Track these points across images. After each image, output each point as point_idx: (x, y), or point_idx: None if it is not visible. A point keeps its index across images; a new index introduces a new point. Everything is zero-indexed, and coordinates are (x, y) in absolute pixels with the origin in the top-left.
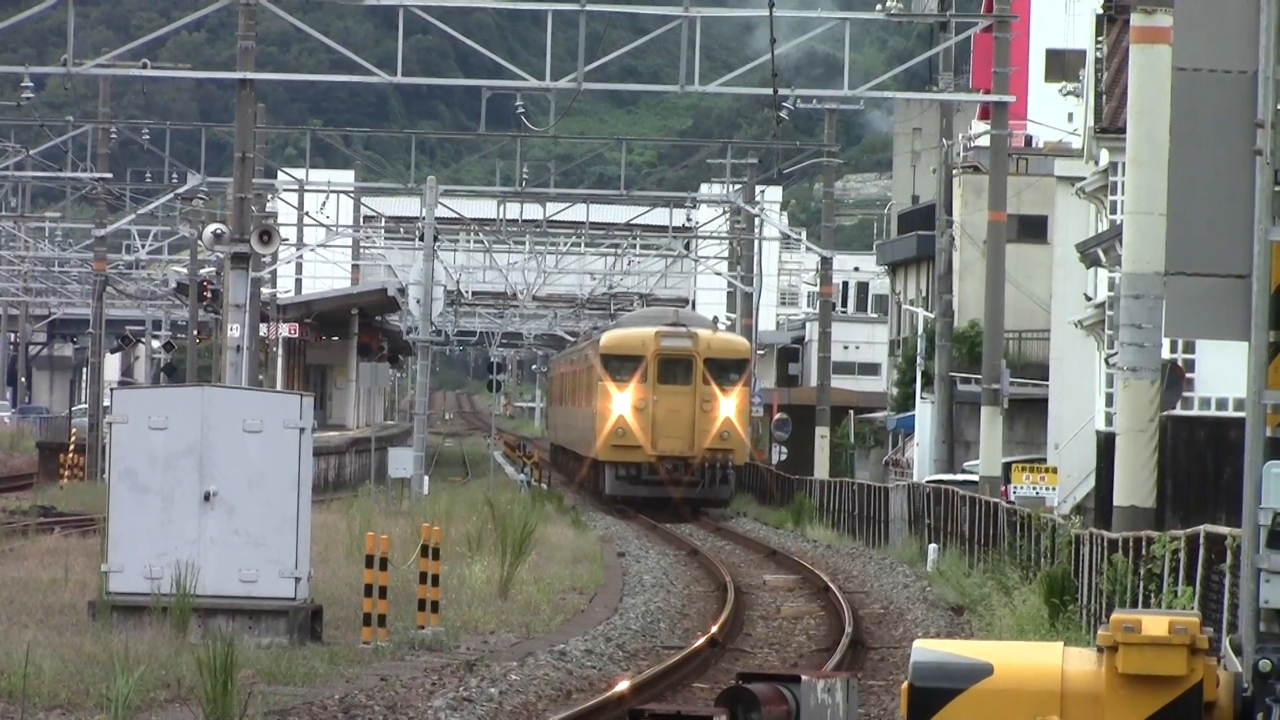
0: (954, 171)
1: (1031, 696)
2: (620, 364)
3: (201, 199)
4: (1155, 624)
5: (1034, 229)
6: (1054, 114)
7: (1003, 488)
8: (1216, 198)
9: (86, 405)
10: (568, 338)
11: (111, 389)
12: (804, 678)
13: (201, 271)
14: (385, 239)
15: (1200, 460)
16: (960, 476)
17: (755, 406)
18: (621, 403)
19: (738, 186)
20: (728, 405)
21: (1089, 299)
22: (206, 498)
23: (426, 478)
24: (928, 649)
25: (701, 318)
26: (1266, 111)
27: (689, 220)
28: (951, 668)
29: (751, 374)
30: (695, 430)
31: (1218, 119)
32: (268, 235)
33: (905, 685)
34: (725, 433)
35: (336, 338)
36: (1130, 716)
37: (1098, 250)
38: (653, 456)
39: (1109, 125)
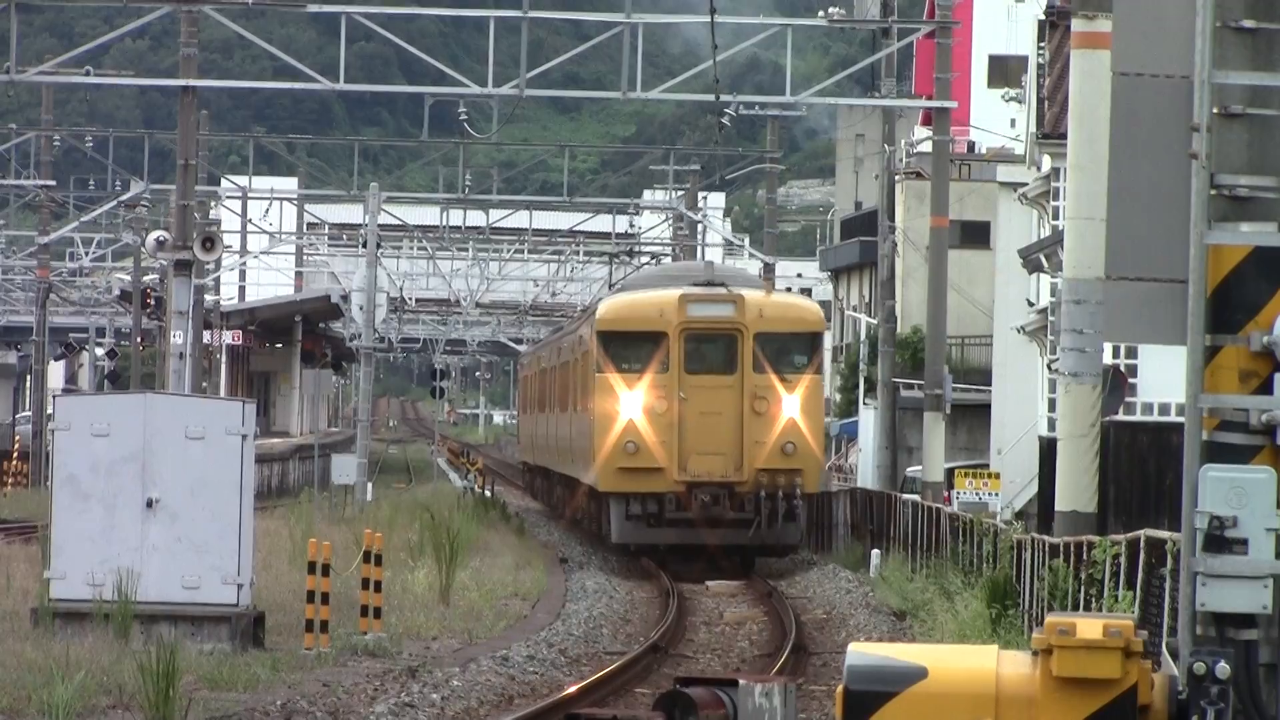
0: (896, 177)
1: (966, 699)
2: (628, 345)
3: (145, 206)
4: (1089, 627)
5: (977, 235)
6: (996, 120)
7: (945, 493)
8: (1155, 202)
9: (30, 413)
10: (511, 344)
11: (54, 396)
12: (741, 682)
13: (145, 279)
14: (329, 246)
15: (1143, 465)
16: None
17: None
18: (631, 404)
19: (680, 193)
20: (791, 404)
21: (1031, 304)
22: (149, 504)
23: (370, 484)
24: (862, 652)
25: (747, 274)
26: (1203, 115)
27: (632, 226)
28: (886, 671)
29: (824, 357)
30: (744, 442)
31: (1157, 124)
32: (211, 242)
33: (840, 688)
34: (789, 444)
35: (280, 345)
36: (1065, 719)
37: (1040, 256)
38: (680, 485)
39: (1051, 131)
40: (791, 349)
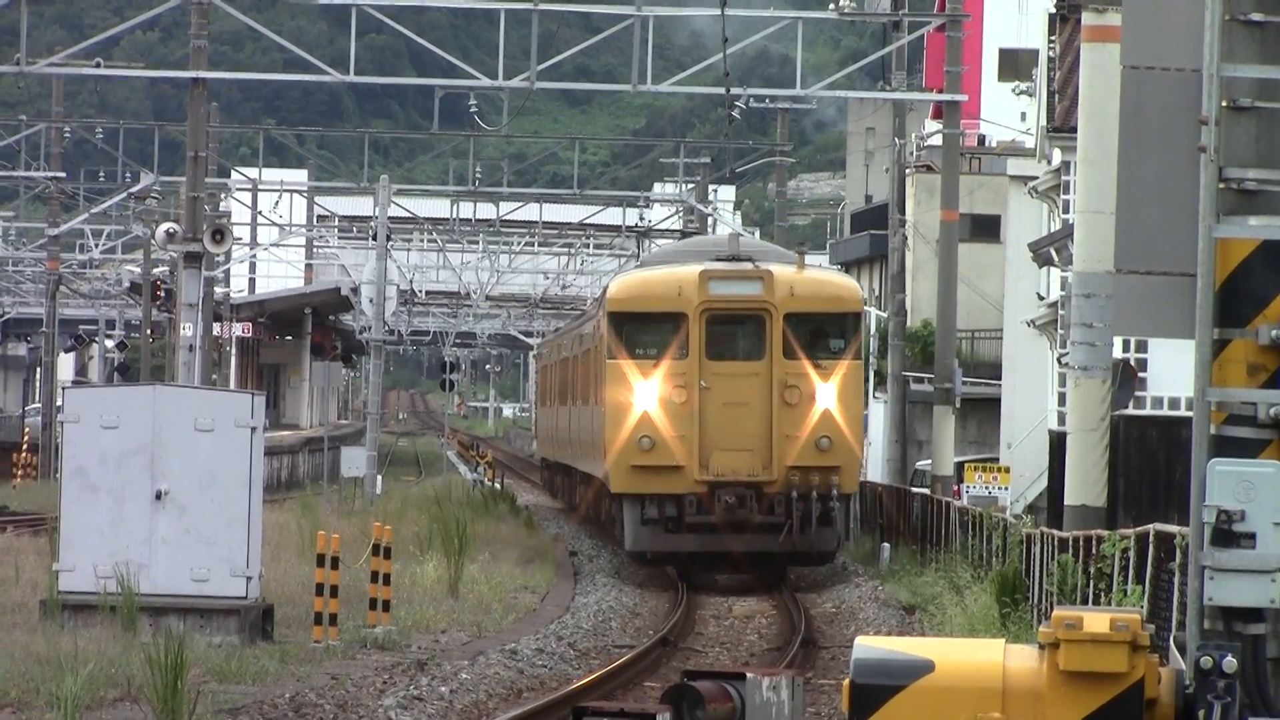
0: (907, 171)
1: (973, 693)
2: (642, 328)
3: (155, 198)
4: (1096, 621)
5: (987, 228)
6: (1007, 113)
7: (955, 487)
8: (1164, 196)
9: (40, 405)
10: (521, 337)
11: (64, 388)
12: (749, 675)
13: (155, 271)
14: (339, 238)
15: (1152, 459)
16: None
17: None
18: (646, 394)
19: (691, 186)
20: (827, 393)
21: (1041, 298)
22: (158, 496)
23: (379, 477)
24: (869, 646)
25: (776, 248)
26: (1211, 108)
27: (642, 219)
28: (893, 665)
29: (865, 339)
30: (773, 437)
31: (1165, 117)
32: (220, 234)
33: (847, 682)
34: (824, 439)
35: (290, 337)
36: (1072, 713)
37: (1050, 249)
38: (701, 485)
39: (1061, 124)
40: (827, 331)
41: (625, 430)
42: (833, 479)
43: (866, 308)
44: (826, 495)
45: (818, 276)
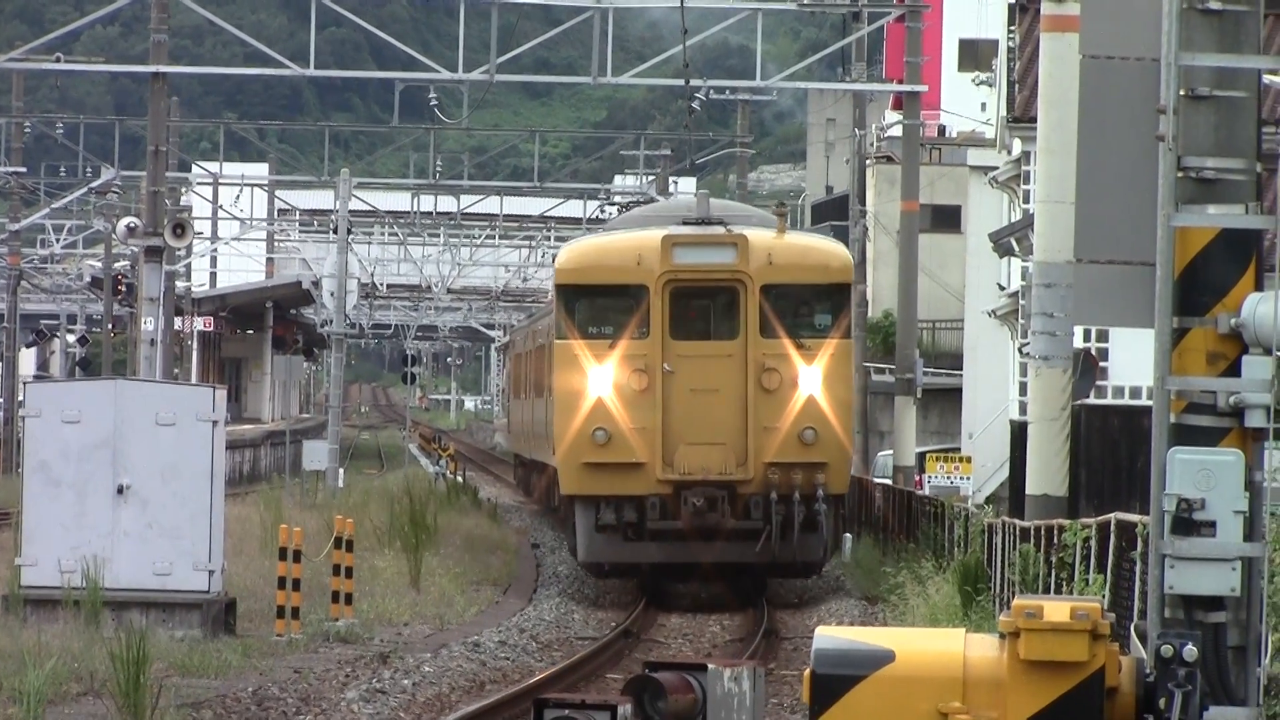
0: (867, 162)
1: (934, 683)
2: (596, 303)
3: (116, 193)
4: (1057, 610)
5: (947, 219)
6: (967, 104)
7: (917, 477)
8: (1123, 185)
9: (1, 399)
10: (482, 330)
11: (25, 383)
12: (710, 666)
13: (116, 265)
14: (300, 232)
15: (1114, 449)
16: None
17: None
18: (600, 380)
19: (651, 178)
20: (811, 377)
21: (1002, 288)
22: (120, 491)
23: (341, 470)
24: (829, 636)
25: (755, 211)
26: (1169, 97)
27: (603, 212)
28: (853, 655)
29: (854, 315)
30: (749, 429)
31: (1124, 106)
32: (181, 228)
33: (807, 672)
34: (808, 430)
35: (251, 331)
36: (1032, 702)
37: (1010, 239)
38: (665, 485)
39: (1021, 115)
40: (811, 305)
41: (576, 421)
42: (818, 477)
43: None
44: (811, 496)
45: (801, 242)
